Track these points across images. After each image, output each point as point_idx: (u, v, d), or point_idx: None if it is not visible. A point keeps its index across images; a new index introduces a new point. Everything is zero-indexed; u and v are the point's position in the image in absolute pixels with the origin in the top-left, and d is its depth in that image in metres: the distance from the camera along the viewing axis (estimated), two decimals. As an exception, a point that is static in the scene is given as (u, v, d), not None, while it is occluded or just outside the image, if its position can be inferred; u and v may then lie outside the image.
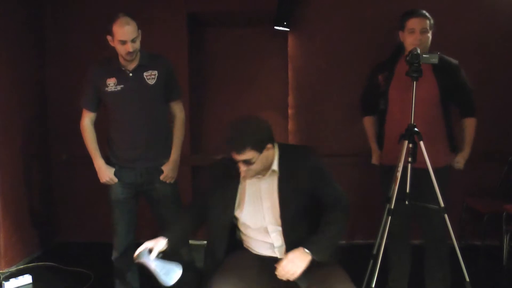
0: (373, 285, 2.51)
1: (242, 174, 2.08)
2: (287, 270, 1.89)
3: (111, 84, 2.67)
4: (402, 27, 2.73)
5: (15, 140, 3.79)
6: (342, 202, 2.09)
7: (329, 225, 2.02)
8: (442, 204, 2.54)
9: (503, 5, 3.91)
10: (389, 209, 2.57)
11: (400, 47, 2.78)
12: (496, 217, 3.56)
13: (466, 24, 3.95)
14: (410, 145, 2.51)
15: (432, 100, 2.69)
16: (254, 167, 2.04)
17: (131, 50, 2.57)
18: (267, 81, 4.39)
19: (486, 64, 3.90)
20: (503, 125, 3.94)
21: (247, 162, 2.02)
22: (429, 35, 2.70)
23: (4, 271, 3.62)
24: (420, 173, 2.57)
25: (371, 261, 2.83)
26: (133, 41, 2.58)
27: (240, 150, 1.99)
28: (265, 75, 4.40)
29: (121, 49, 2.60)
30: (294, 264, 1.90)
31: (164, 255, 2.11)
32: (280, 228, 2.11)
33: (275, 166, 2.12)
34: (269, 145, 2.07)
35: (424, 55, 2.46)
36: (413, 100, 2.50)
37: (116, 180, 2.75)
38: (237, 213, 2.17)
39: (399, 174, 2.55)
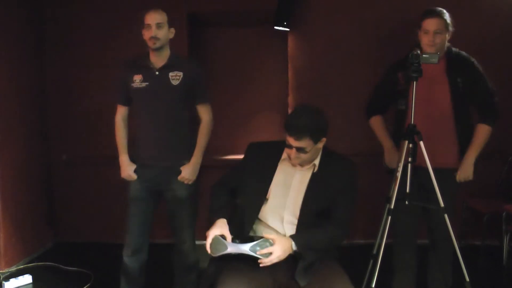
0: (373, 285, 2.51)
1: (292, 161, 2.12)
2: (271, 259, 1.97)
3: (137, 80, 2.72)
4: (419, 27, 2.68)
5: (15, 140, 3.79)
6: (344, 228, 2.17)
7: (323, 233, 2.11)
8: (442, 204, 2.54)
9: (503, 5, 3.92)
10: (389, 209, 2.57)
11: (419, 45, 2.70)
12: (496, 217, 3.56)
13: (466, 24, 3.94)
14: (410, 145, 2.51)
15: (443, 101, 2.66)
16: (305, 156, 2.08)
17: (153, 34, 2.62)
18: (267, 81, 4.39)
19: (486, 64, 3.87)
20: (503, 125, 3.93)
21: (301, 150, 2.05)
22: (447, 35, 2.65)
23: (4, 271, 3.62)
24: (426, 173, 2.55)
25: (371, 261, 2.83)
26: (158, 27, 2.64)
27: (300, 137, 2.02)
28: (265, 75, 4.40)
29: (146, 35, 2.66)
30: (280, 256, 1.98)
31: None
32: (296, 221, 2.14)
33: (316, 161, 2.16)
34: (324, 139, 2.11)
35: (424, 55, 2.46)
36: (413, 100, 2.50)
37: (134, 177, 2.78)
38: (267, 195, 2.19)
39: (399, 174, 2.56)
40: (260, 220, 2.20)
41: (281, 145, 2.18)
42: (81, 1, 4.16)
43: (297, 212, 2.14)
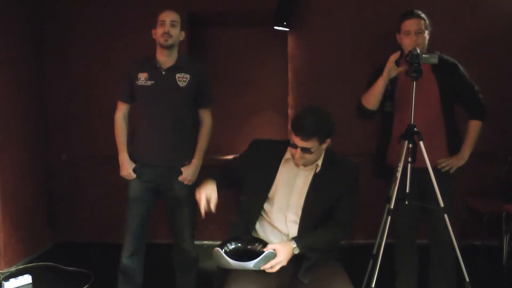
0: (373, 285, 2.51)
1: (296, 161, 2.13)
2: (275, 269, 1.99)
3: (142, 78, 2.73)
4: (398, 30, 2.73)
5: (15, 140, 3.79)
6: (346, 228, 2.17)
7: (326, 234, 2.11)
8: (441, 204, 2.54)
9: (503, 5, 3.92)
10: (389, 209, 2.57)
11: (400, 48, 2.76)
12: (496, 217, 3.56)
13: (465, 24, 3.95)
14: (410, 145, 2.51)
15: (432, 101, 2.68)
16: (309, 156, 2.08)
17: (167, 30, 2.64)
18: (267, 81, 4.39)
19: (486, 64, 3.89)
20: (503, 125, 3.94)
21: (306, 150, 2.06)
22: (426, 35, 2.69)
23: (4, 271, 3.62)
24: (423, 173, 2.56)
25: (371, 261, 2.83)
26: (172, 25, 2.66)
27: (307, 138, 2.02)
28: (265, 75, 4.40)
29: (159, 32, 2.67)
30: (283, 263, 2.00)
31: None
32: (298, 220, 2.15)
33: (319, 162, 2.17)
34: (328, 140, 2.12)
35: (423, 55, 2.46)
36: (413, 100, 2.50)
37: (134, 175, 2.78)
38: (270, 194, 2.19)
39: (399, 174, 2.55)
40: (265, 219, 2.21)
41: (284, 145, 2.19)
42: (81, 1, 4.16)
43: (299, 211, 2.15)
